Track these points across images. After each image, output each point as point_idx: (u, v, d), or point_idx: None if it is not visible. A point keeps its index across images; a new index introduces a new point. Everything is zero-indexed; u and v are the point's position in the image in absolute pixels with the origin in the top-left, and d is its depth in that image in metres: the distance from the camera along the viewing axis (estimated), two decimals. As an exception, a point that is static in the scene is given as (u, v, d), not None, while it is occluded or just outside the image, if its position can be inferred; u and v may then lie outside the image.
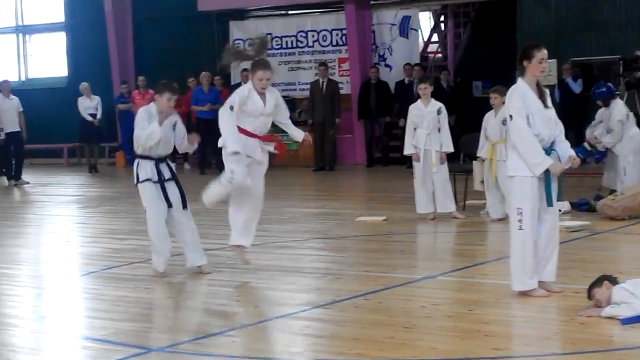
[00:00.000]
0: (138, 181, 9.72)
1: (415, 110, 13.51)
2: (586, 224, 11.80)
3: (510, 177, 8.32)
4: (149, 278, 9.90)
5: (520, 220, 8.15)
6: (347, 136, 23.68)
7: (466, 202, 14.27)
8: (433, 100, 13.48)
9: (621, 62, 17.78)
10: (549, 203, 8.19)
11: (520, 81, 8.25)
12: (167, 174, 9.80)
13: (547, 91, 8.42)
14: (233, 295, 9.13)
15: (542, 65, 8.19)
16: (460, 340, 7.13)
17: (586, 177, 16.62)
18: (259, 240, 11.81)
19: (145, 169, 9.71)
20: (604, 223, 12.43)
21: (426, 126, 13.36)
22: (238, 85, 22.68)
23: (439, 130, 13.40)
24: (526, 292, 8.23)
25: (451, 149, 13.49)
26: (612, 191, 13.92)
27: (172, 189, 9.79)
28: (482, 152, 13.24)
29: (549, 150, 8.19)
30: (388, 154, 23.28)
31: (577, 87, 20.82)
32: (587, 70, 21.47)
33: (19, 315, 8.58)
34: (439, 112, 13.39)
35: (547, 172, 8.12)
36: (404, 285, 9.09)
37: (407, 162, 22.22)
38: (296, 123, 23.62)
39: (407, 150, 13.63)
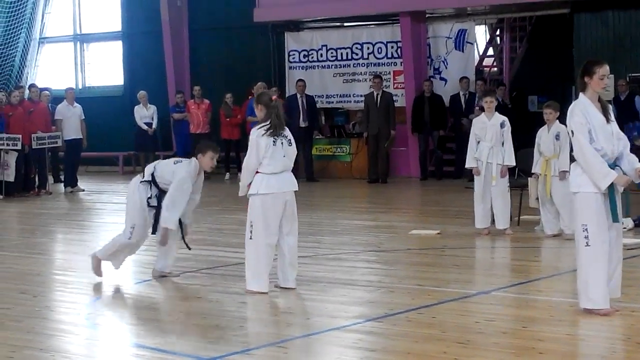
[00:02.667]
0: None
1: (479, 123, 13.45)
2: (638, 242, 11.65)
3: (574, 194, 8.24)
4: (201, 288, 9.93)
5: (586, 237, 8.07)
6: (401, 149, 23.62)
7: (521, 217, 14.16)
8: (497, 114, 13.44)
9: (678, 78, 17.59)
10: (615, 219, 8.10)
11: (582, 96, 8.21)
12: None
13: (610, 106, 8.35)
14: (285, 307, 9.12)
15: (603, 81, 8.15)
16: (514, 357, 7.07)
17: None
18: (312, 252, 11.85)
19: None
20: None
21: (489, 139, 13.30)
22: (294, 96, 22.82)
23: (502, 143, 13.32)
24: (593, 310, 8.12)
25: (513, 163, 13.42)
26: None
27: None
28: (536, 167, 13.15)
29: (612, 165, 8.10)
30: (442, 168, 23.19)
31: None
32: (645, 86, 21.26)
33: (72, 322, 8.64)
34: (502, 125, 13.32)
35: (611, 187, 8.04)
36: (457, 300, 9.03)
37: (461, 175, 22.21)
38: (350, 135, 23.88)
39: (469, 164, 13.55)
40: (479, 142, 13.40)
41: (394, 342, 7.58)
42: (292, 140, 9.65)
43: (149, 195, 10.12)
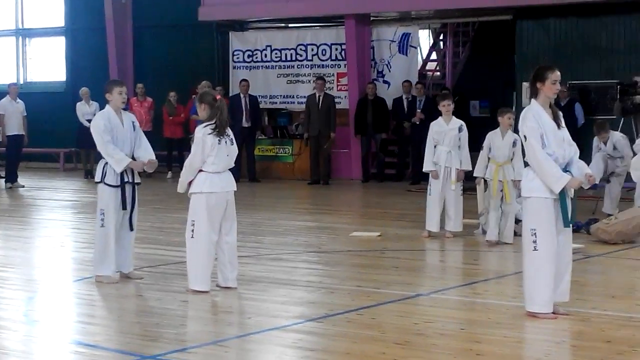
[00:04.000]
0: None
1: (437, 127, 13.51)
2: (580, 247, 11.83)
3: (525, 198, 8.35)
4: (142, 286, 9.92)
5: (534, 242, 8.18)
6: (344, 151, 23.71)
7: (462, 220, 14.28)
8: (454, 118, 13.51)
9: (618, 87, 17.84)
10: (566, 224, 8.22)
11: (534, 102, 8.31)
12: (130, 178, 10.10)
13: (561, 113, 8.47)
14: (226, 306, 9.14)
15: (555, 86, 8.27)
16: (452, 358, 7.16)
17: (580, 200, 16.64)
18: (253, 252, 11.89)
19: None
20: (597, 247, 12.47)
21: (447, 143, 13.37)
22: (237, 96, 22.82)
23: (459, 147, 13.42)
24: (537, 314, 8.23)
25: (470, 167, 13.48)
26: (609, 215, 13.99)
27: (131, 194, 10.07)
28: (484, 172, 13.17)
29: (563, 171, 8.21)
30: (383, 171, 23.32)
31: (581, 117, 20.79)
32: (584, 94, 21.54)
33: (10, 318, 8.58)
34: (460, 129, 13.41)
35: (562, 193, 8.16)
36: (397, 301, 9.11)
37: (402, 178, 22.36)
38: (293, 136, 23.95)
39: (426, 167, 13.57)
40: (436, 146, 13.46)
41: (333, 342, 7.63)
42: (234, 140, 9.69)
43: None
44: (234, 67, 25.49)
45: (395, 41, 23.87)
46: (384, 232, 13.81)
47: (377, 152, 23.42)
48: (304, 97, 23.59)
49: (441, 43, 26.64)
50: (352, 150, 23.69)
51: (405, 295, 9.39)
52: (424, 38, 26.35)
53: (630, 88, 16.51)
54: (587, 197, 14.96)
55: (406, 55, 23.85)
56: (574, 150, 8.39)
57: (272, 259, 11.74)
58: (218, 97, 9.67)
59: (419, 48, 24.68)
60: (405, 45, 23.82)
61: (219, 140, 9.44)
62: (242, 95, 23.04)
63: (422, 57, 25.74)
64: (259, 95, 24.21)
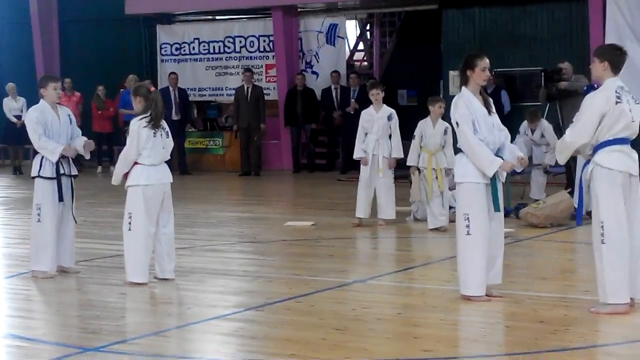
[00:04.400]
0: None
1: (367, 115, 13.65)
2: (510, 231, 12.07)
3: (458, 184, 8.53)
4: (80, 280, 9.93)
5: (467, 226, 8.34)
6: (274, 142, 23.82)
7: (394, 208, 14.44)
8: (384, 106, 13.64)
9: (543, 74, 18.14)
10: (497, 208, 8.40)
11: (464, 89, 8.48)
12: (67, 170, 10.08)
13: (491, 99, 8.64)
14: (165, 297, 9.20)
15: (485, 73, 8.45)
16: (390, 342, 7.31)
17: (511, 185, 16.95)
18: (188, 244, 11.93)
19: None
20: (527, 230, 12.75)
21: (376, 131, 13.51)
22: (166, 89, 22.77)
23: (389, 136, 13.57)
24: (472, 297, 8.41)
25: (401, 155, 13.63)
26: (536, 200, 14.28)
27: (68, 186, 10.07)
28: (416, 160, 13.35)
29: (495, 155, 8.40)
30: (314, 161, 23.46)
31: (507, 104, 21.12)
32: (510, 81, 21.88)
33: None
34: (389, 118, 13.55)
35: (494, 178, 8.34)
36: (334, 288, 9.24)
37: (333, 168, 22.53)
38: (223, 128, 23.98)
39: (356, 154, 13.71)
40: (366, 134, 13.60)
41: (274, 329, 7.75)
42: (169, 132, 9.75)
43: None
44: (162, 61, 25.44)
45: (322, 32, 24.01)
46: (317, 221, 13.94)
47: (307, 143, 23.56)
48: (233, 89, 23.62)
49: (368, 33, 26.85)
50: (282, 141, 23.80)
51: (341, 282, 9.53)
52: (351, 28, 26.53)
53: (555, 75, 16.74)
54: (515, 182, 15.23)
55: (334, 45, 24.00)
56: (504, 135, 8.59)
57: (208, 250, 11.81)
58: (152, 89, 9.71)
59: (346, 38, 24.87)
60: (332, 36, 23.97)
61: (154, 132, 9.50)
62: (171, 89, 23.01)
63: (349, 48, 25.93)
64: (188, 88, 24.20)
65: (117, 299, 9.08)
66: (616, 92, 7.91)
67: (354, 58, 26.41)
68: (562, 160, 8.26)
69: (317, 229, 13.41)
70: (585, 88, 14.03)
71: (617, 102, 7.86)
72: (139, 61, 25.75)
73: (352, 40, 26.57)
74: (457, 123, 8.43)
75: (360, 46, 26.86)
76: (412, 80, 25.13)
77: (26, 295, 9.44)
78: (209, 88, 24.95)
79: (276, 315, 8.22)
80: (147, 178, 9.46)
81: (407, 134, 13.91)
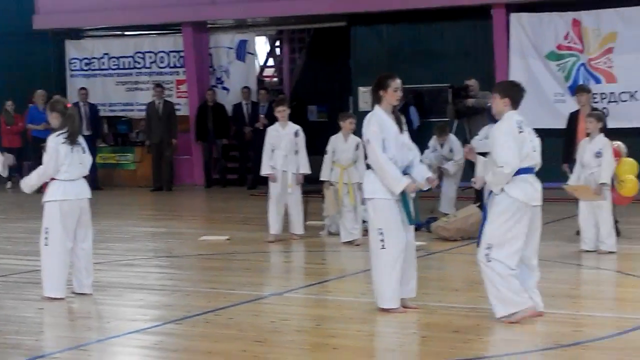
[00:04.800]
0: None
1: (274, 132, 13.80)
2: (422, 244, 12.31)
3: (368, 200, 8.73)
4: (-4, 295, 9.92)
5: (382, 240, 8.53)
6: (185, 157, 23.85)
7: (307, 222, 14.62)
8: (290, 123, 13.82)
9: (450, 90, 18.51)
10: (410, 222, 8.62)
11: (377, 108, 8.71)
12: None
13: (403, 118, 8.88)
14: (84, 312, 9.24)
15: (397, 93, 8.69)
16: (309, 353, 7.48)
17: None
18: (104, 259, 11.94)
19: None
20: (438, 243, 13.02)
21: (284, 147, 13.66)
22: (76, 105, 22.62)
23: (296, 152, 13.73)
24: (389, 309, 8.59)
25: (308, 171, 13.81)
26: (446, 214, 14.59)
27: None
28: (329, 175, 13.54)
29: (403, 173, 8.62)
30: (226, 176, 23.54)
31: (416, 119, 21.50)
32: (418, 97, 22.26)
33: None
34: (296, 134, 13.73)
35: (403, 192, 8.56)
36: (252, 302, 9.37)
37: (244, 183, 22.64)
38: (134, 143, 23.91)
39: (264, 171, 13.82)
40: (273, 150, 13.75)
41: (194, 342, 7.85)
42: (87, 148, 9.80)
43: None
44: (71, 76, 25.29)
45: (232, 48, 24.13)
46: (232, 236, 14.05)
47: (219, 158, 23.64)
48: (144, 104, 23.60)
49: (278, 49, 27.05)
50: (194, 156, 23.85)
51: (259, 295, 9.67)
52: (261, 45, 26.71)
53: (462, 91, 17.12)
54: (426, 196, 15.50)
55: (244, 61, 24.13)
56: (413, 154, 8.83)
57: (124, 264, 11.85)
58: (69, 105, 9.75)
59: (256, 55, 25.03)
60: (242, 52, 24.10)
61: (71, 148, 9.54)
62: (81, 104, 22.89)
63: (259, 64, 26.09)
64: (98, 103, 24.11)
65: (35, 314, 9.11)
66: (517, 123, 8.26)
67: (264, 74, 26.60)
68: (498, 190, 8.45)
69: (232, 243, 13.52)
70: (488, 104, 14.43)
71: (520, 132, 8.21)
72: (48, 76, 25.53)
73: (262, 57, 26.75)
74: (368, 140, 8.66)
75: (270, 62, 27.06)
76: (322, 96, 25.38)
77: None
78: (120, 103, 24.88)
79: (196, 328, 8.33)
80: (64, 193, 9.50)
81: (317, 150, 14.11)
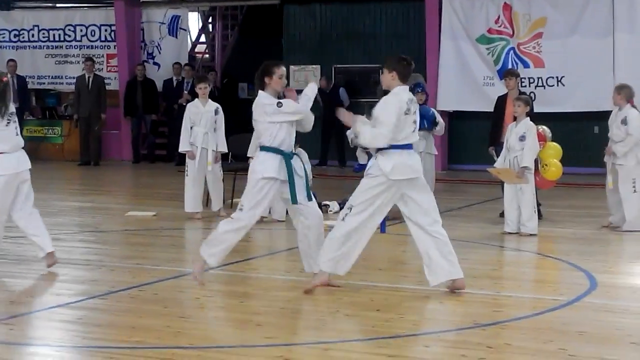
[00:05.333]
0: None
1: (194, 108, 13.80)
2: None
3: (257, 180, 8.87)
4: None
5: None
6: (114, 132, 23.75)
7: (233, 199, 14.65)
8: (210, 101, 13.84)
9: (381, 70, 18.65)
10: (293, 201, 8.76)
11: (262, 93, 8.89)
12: None
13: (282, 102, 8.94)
14: (6, 285, 9.20)
15: (282, 80, 8.90)
16: (233, 330, 7.54)
17: (347, 179, 17.40)
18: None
19: None
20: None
21: (204, 125, 13.67)
22: None
23: (215, 130, 13.74)
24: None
25: (226, 149, 13.86)
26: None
27: None
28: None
29: (291, 155, 8.82)
30: (154, 151, 23.47)
31: (346, 99, 21.60)
32: (349, 77, 22.38)
33: None
34: (216, 112, 13.75)
35: (290, 173, 8.73)
36: (176, 277, 9.40)
37: (172, 159, 22.58)
38: (62, 116, 23.72)
39: (182, 147, 13.80)
40: (192, 127, 13.74)
41: (118, 317, 7.85)
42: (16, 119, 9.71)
43: None
44: (0, 47, 25.01)
45: (165, 23, 24.07)
46: (159, 212, 14.05)
47: (147, 133, 23.56)
48: (73, 77, 23.45)
49: (210, 26, 26.97)
50: (123, 132, 23.75)
51: (184, 272, 9.68)
52: (194, 21, 26.61)
53: (393, 73, 17.29)
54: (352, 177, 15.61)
55: (176, 37, 24.09)
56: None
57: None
58: (5, 79, 9.60)
59: (188, 31, 24.96)
60: (175, 27, 24.04)
61: (7, 122, 9.44)
62: (9, 76, 22.63)
63: (191, 40, 26.01)
64: (27, 76, 23.89)
65: (-42, 287, 9.06)
66: (406, 103, 8.49)
67: (196, 50, 26.51)
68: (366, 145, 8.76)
69: (159, 219, 13.53)
70: (418, 84, 14.58)
71: (406, 113, 8.45)
72: (-25, 47, 25.26)
73: (194, 33, 26.65)
74: (255, 120, 8.86)
75: (203, 39, 26.96)
76: (253, 73, 25.30)
77: None
78: (49, 76, 24.70)
79: (120, 304, 8.34)
80: (3, 168, 9.40)
81: (247, 127, 14.08)
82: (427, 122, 13.53)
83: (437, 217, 8.65)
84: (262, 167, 8.80)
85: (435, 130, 13.91)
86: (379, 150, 8.55)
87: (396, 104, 8.44)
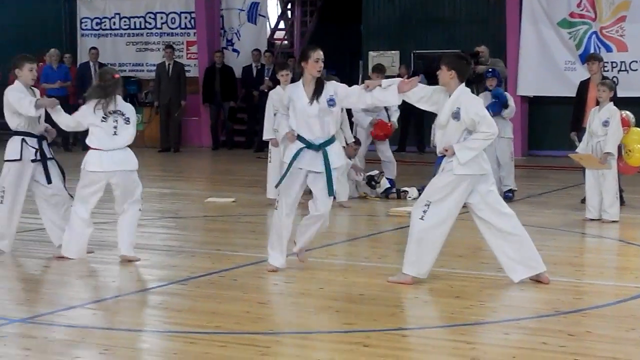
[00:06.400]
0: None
1: (276, 95, 13.75)
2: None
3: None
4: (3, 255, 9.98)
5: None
6: (193, 119, 23.92)
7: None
8: None
9: (461, 56, 18.53)
10: (330, 193, 8.81)
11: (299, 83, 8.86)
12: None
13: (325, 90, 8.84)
14: (90, 270, 9.32)
15: (318, 64, 8.74)
16: (312, 315, 7.54)
17: (426, 166, 17.32)
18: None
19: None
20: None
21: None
22: (87, 64, 22.73)
23: None
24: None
25: None
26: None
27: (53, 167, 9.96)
28: None
29: (317, 145, 8.75)
30: (233, 138, 23.60)
31: (425, 83, 21.51)
32: (428, 63, 22.23)
33: None
34: None
35: (328, 167, 8.71)
36: (256, 264, 9.44)
37: (251, 146, 22.68)
38: (142, 104, 23.97)
39: (266, 135, 13.76)
40: (275, 113, 13.76)
41: (198, 303, 7.91)
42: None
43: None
44: (82, 35, 25.36)
45: (244, 10, 24.14)
46: (238, 198, 14.11)
47: (225, 120, 23.69)
48: (154, 65, 23.65)
49: (289, 12, 27.01)
50: (202, 118, 23.91)
51: (263, 257, 9.67)
52: (273, 7, 26.67)
53: (472, 58, 17.12)
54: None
55: (255, 24, 24.16)
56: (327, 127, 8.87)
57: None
58: (117, 76, 9.64)
59: (267, 17, 25.02)
60: (254, 14, 24.12)
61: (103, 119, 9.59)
62: (91, 64, 22.96)
63: (270, 26, 26.08)
64: (108, 63, 24.08)
65: (40, 272, 9.19)
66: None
67: (275, 37, 26.56)
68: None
69: (238, 206, 13.60)
70: (489, 71, 14.48)
71: None
72: (59, 35, 25.62)
73: (273, 19, 26.71)
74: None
75: (282, 25, 27.01)
76: (333, 59, 25.29)
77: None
78: (130, 64, 24.95)
79: (200, 289, 8.40)
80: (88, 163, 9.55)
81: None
82: (497, 105, 13.52)
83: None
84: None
85: (504, 113, 13.83)
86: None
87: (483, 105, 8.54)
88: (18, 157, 9.72)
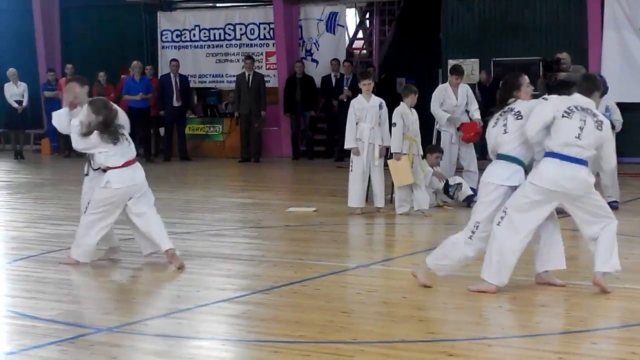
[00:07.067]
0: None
1: (358, 104, 13.76)
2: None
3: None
4: (90, 262, 10.06)
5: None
6: (273, 129, 24.01)
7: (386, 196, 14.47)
8: (374, 96, 13.80)
9: (541, 63, 18.34)
10: None
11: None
12: None
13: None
14: (174, 280, 9.39)
15: (529, 89, 9.03)
16: (396, 325, 7.50)
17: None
18: (194, 228, 12.11)
19: None
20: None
21: (369, 120, 13.64)
22: (167, 76, 22.97)
23: (379, 124, 13.74)
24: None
25: (390, 144, 13.80)
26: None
27: None
28: (401, 147, 13.49)
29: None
30: (313, 148, 23.66)
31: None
32: (508, 71, 22.02)
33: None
34: (380, 106, 13.73)
35: None
36: (338, 273, 9.44)
37: (331, 155, 22.71)
38: (223, 114, 24.16)
39: (348, 144, 13.74)
40: (357, 122, 13.75)
41: (282, 312, 7.93)
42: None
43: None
44: (163, 47, 25.64)
45: (322, 20, 24.20)
46: (319, 207, 14.11)
47: (306, 130, 23.75)
48: (233, 76, 23.83)
49: (368, 22, 27.01)
50: (282, 128, 24.00)
51: (345, 267, 9.72)
52: (351, 17, 26.70)
53: (554, 65, 16.93)
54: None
55: (334, 34, 24.20)
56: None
57: (213, 234, 11.99)
58: (114, 108, 9.79)
59: (346, 27, 25.06)
60: (332, 24, 24.16)
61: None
62: (172, 75, 23.20)
63: (349, 36, 26.11)
64: (189, 75, 24.40)
65: (126, 281, 9.28)
66: (569, 108, 8.32)
67: (354, 46, 26.59)
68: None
69: (319, 215, 13.61)
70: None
71: (563, 116, 8.28)
72: (140, 47, 25.94)
73: (351, 29, 26.74)
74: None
75: (360, 35, 27.03)
76: (412, 68, 25.31)
77: (36, 277, 9.59)
78: (210, 75, 25.17)
79: (283, 299, 8.41)
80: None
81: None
82: None
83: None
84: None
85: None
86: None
87: (549, 109, 8.54)
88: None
